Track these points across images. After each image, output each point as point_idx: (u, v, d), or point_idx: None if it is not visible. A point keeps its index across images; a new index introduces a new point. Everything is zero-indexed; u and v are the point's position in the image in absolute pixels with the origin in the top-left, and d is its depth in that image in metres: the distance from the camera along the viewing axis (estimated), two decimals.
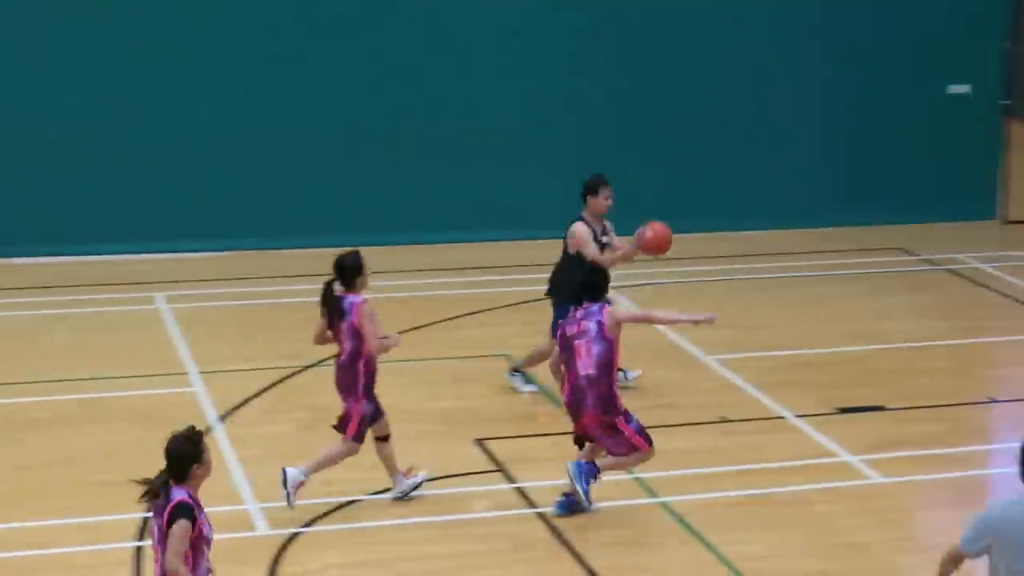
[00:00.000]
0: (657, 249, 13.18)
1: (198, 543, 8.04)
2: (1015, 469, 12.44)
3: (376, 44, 19.22)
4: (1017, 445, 13.28)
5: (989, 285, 17.90)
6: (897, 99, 20.46)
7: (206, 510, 8.09)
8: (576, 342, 11.05)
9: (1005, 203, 20.93)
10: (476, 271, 18.21)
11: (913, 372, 14.88)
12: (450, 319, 16.27)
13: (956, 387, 14.47)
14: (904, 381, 14.58)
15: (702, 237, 19.29)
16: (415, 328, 15.72)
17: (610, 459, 11.21)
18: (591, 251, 13.17)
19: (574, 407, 11.12)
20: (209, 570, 8.15)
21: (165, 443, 8.06)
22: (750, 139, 20.19)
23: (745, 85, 20.09)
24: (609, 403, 11.01)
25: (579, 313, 11.20)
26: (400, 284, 17.40)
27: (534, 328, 14.57)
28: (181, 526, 7.92)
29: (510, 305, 16.74)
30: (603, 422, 11.03)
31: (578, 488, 11.00)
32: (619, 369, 11.77)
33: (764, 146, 20.23)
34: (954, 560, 7.81)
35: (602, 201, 13.44)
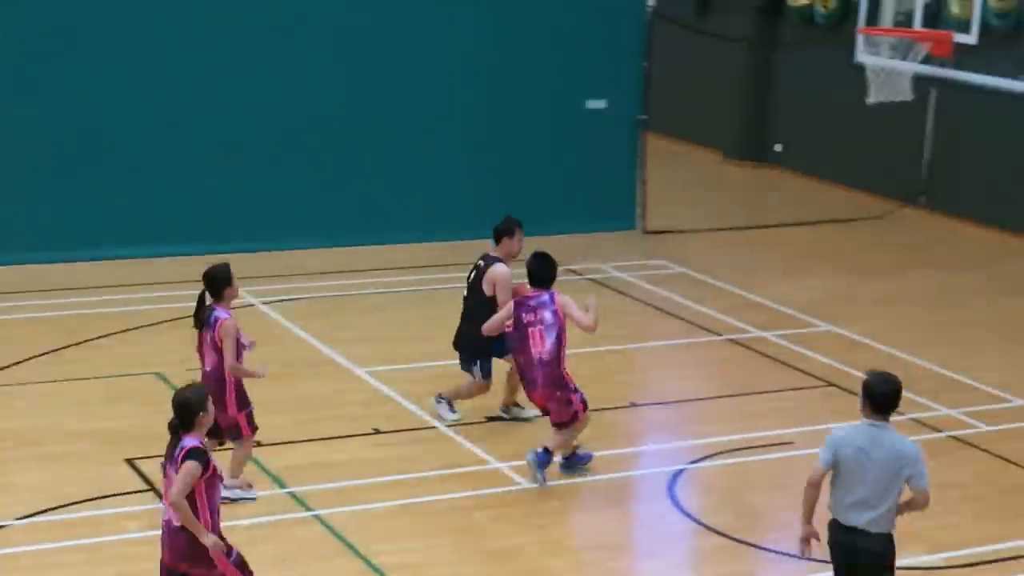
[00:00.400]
0: None
1: (212, 480, 8.97)
2: (656, 470, 13.14)
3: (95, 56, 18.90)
4: (657, 447, 13.95)
5: (630, 293, 18.56)
6: (541, 117, 21.01)
7: None
8: (531, 329, 12.35)
9: (644, 214, 21.74)
10: (135, 288, 17.90)
11: None
12: (103, 336, 15.99)
13: (599, 393, 14.90)
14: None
15: (349, 251, 19.59)
16: (68, 346, 15.48)
17: (558, 439, 12.49)
18: (505, 299, 13.07)
19: (528, 385, 12.53)
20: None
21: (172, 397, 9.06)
22: (397, 155, 20.42)
23: (389, 103, 20.30)
24: (560, 381, 12.37)
25: (532, 300, 12.45)
26: (56, 303, 17.05)
27: (191, 345, 14.37)
28: (190, 466, 8.82)
29: (165, 322, 16.52)
30: (555, 397, 12.42)
31: (539, 476, 12.36)
32: (516, 404, 13.75)
33: (416, 161, 20.51)
34: (814, 483, 9.18)
35: (517, 243, 13.60)
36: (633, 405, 14.71)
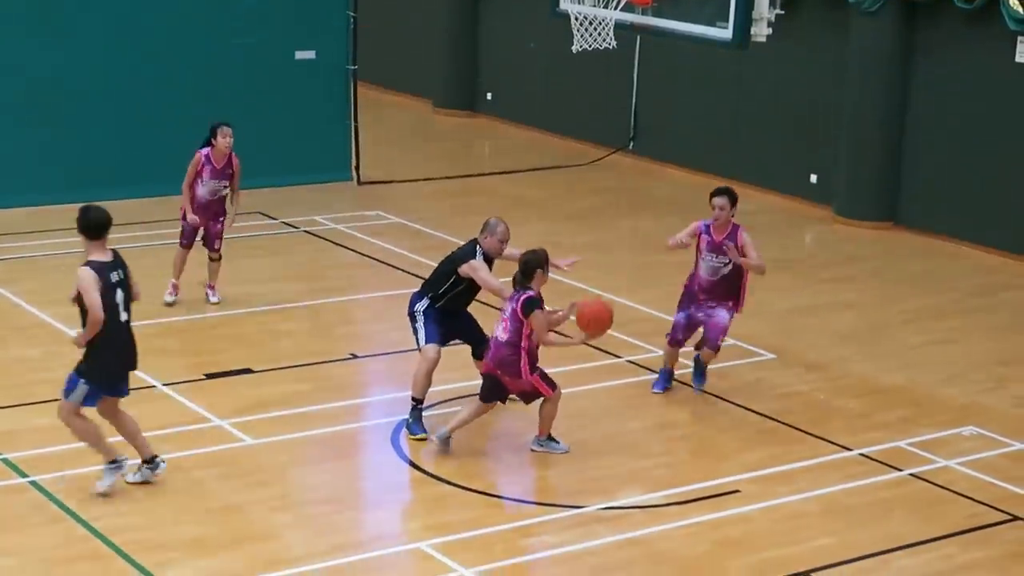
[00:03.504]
0: (591, 325, 12.31)
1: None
2: (379, 421, 13.15)
3: None
4: (379, 397, 13.93)
5: (347, 245, 18.49)
6: (248, 67, 20.73)
7: None
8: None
9: (358, 165, 21.65)
10: None
11: (277, 334, 15.19)
12: None
13: (318, 346, 14.90)
14: (269, 343, 14.87)
15: (45, 210, 19.04)
16: None
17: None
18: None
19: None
20: None
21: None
22: (104, 112, 19.92)
23: (98, 61, 19.81)
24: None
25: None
26: None
27: None
28: (539, 314, 11.83)
29: None
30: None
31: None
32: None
33: (124, 117, 20.00)
34: None
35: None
36: (354, 357, 14.66)
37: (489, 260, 12.73)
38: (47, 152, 19.59)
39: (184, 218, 15.78)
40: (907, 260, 19.13)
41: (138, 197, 19.55)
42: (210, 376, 13.87)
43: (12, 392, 13.24)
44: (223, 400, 13.27)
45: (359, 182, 21.57)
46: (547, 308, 12.32)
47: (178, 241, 15.93)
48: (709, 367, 13.92)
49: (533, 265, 12.01)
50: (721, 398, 13.84)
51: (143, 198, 19.51)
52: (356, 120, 21.70)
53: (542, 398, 12.28)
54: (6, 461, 11.77)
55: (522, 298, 11.90)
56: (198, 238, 15.91)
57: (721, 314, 13.47)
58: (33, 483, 11.44)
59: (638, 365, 14.61)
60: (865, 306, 17.05)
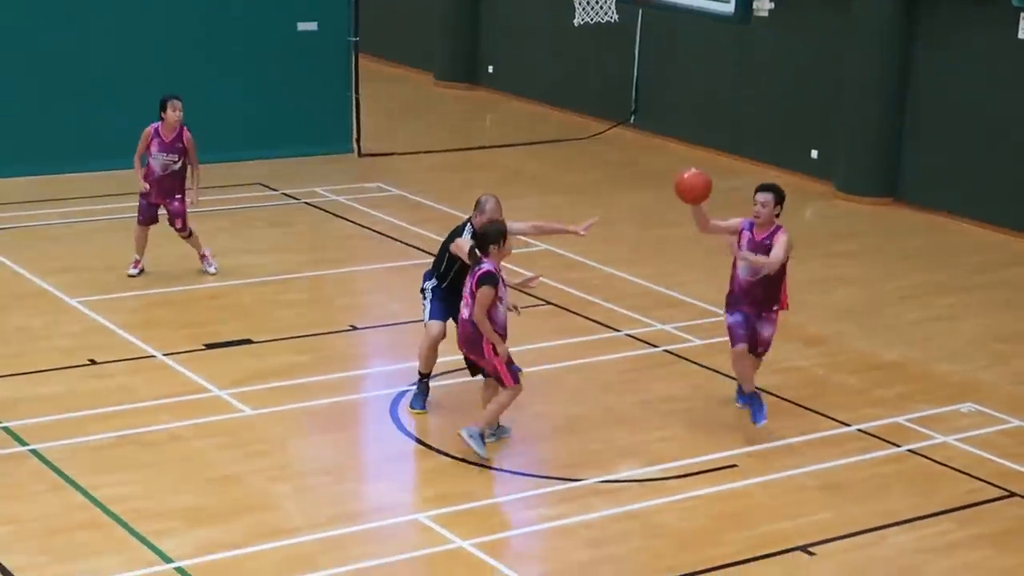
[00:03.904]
0: (690, 190, 12.09)
1: (495, 301, 11.41)
2: (378, 393, 13.16)
3: None
4: (378, 369, 13.95)
5: (347, 217, 18.49)
6: (250, 39, 20.70)
7: None
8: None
9: (359, 137, 21.64)
10: None
11: (277, 304, 15.20)
12: None
13: (318, 317, 14.92)
14: (269, 314, 14.88)
15: (48, 179, 19.02)
16: None
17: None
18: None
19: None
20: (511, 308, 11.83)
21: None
22: (104, 81, 19.91)
23: (100, 32, 19.81)
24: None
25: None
26: None
27: None
28: (484, 291, 11.33)
29: None
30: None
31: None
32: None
33: (124, 89, 19.94)
34: None
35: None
36: (354, 328, 14.69)
37: None
38: (49, 122, 19.55)
39: (141, 194, 15.65)
40: (907, 236, 19.15)
41: None
42: (210, 346, 13.89)
43: (13, 361, 13.26)
44: (223, 370, 13.29)
45: (360, 154, 21.57)
46: (527, 275, 12.58)
47: (136, 217, 15.79)
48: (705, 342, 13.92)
49: (487, 240, 11.71)
50: (719, 372, 13.86)
51: None
52: (357, 92, 21.67)
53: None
54: (7, 429, 11.80)
55: (479, 274, 11.63)
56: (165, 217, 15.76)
57: (765, 328, 12.54)
58: (33, 451, 11.46)
59: (636, 339, 14.63)
60: (865, 282, 17.07)
